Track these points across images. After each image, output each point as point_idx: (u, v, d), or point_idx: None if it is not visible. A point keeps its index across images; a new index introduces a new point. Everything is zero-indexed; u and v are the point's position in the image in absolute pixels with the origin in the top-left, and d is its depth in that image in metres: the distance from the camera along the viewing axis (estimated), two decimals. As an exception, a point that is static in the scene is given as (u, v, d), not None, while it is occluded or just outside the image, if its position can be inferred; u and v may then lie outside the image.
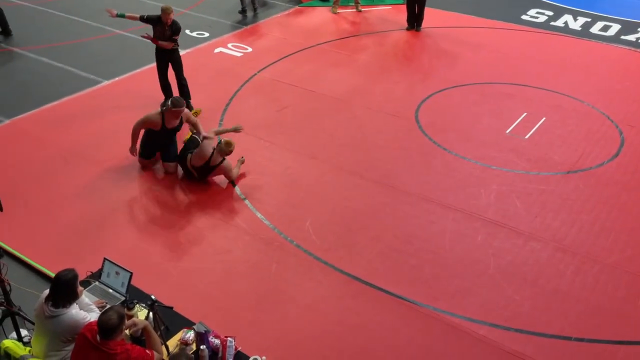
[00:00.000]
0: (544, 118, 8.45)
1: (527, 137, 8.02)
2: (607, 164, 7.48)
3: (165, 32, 8.20)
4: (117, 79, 9.54)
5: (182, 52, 10.41)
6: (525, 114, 8.56)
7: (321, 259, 5.94)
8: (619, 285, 5.65)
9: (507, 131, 8.15)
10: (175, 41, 8.31)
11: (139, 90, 9.15)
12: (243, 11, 12.21)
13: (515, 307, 5.41)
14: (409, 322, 5.27)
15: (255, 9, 12.37)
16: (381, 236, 6.27)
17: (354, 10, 12.59)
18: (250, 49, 10.65)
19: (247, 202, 6.76)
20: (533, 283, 5.68)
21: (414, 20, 11.52)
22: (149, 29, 8.43)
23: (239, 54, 10.48)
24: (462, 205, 6.71)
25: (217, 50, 10.65)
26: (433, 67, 10.11)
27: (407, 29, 11.54)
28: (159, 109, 7.14)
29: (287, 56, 10.40)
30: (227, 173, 7.01)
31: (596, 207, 6.71)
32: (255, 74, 9.74)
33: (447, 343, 5.08)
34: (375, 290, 5.58)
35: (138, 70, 9.80)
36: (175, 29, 8.24)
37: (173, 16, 8.19)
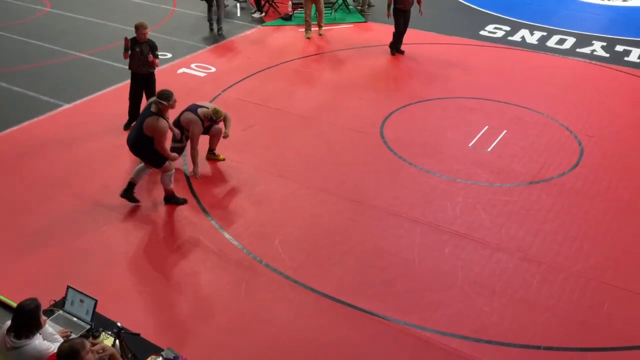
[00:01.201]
0: (505, 131, 8.63)
1: (489, 149, 8.18)
2: (568, 173, 7.66)
3: (144, 52, 8.11)
4: (78, 102, 9.39)
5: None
6: (486, 127, 8.73)
7: (291, 278, 5.90)
8: (585, 293, 5.77)
9: (470, 144, 8.30)
10: (157, 56, 8.25)
11: (101, 113, 9.02)
12: (211, 26, 12.39)
13: (485, 319, 5.47)
14: (380, 338, 5.26)
15: (219, 29, 12.38)
16: (351, 252, 6.28)
17: (317, 29, 12.70)
18: (214, 69, 10.63)
19: (214, 222, 6.69)
20: (501, 294, 5.75)
21: (399, 44, 11.37)
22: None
23: (202, 74, 10.44)
24: (429, 219, 6.78)
25: (180, 70, 10.60)
26: (397, 84, 10.25)
27: (399, 52, 11.34)
28: (158, 117, 6.42)
29: (251, 75, 10.41)
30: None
31: (559, 216, 6.86)
32: (220, 94, 9.72)
33: (419, 358, 5.09)
34: (346, 307, 5.57)
35: (100, 93, 9.67)
36: (153, 44, 8.19)
37: (148, 32, 8.10)
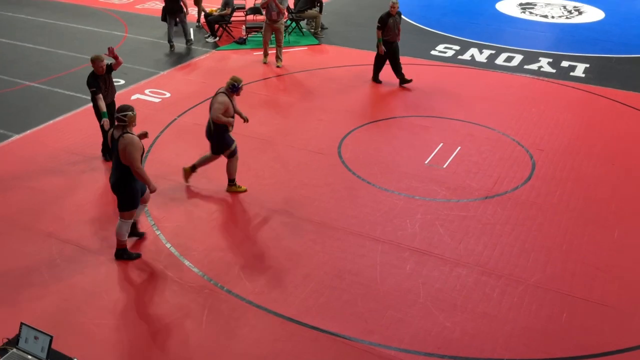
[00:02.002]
0: (459, 147, 8.81)
1: (445, 166, 8.33)
2: (521, 187, 7.86)
3: (107, 83, 7.91)
4: (29, 132, 9.15)
5: (97, 101, 10.22)
6: (441, 144, 8.90)
7: (253, 303, 5.84)
8: (543, 304, 5.89)
9: (426, 162, 8.43)
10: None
11: (53, 143, 8.81)
12: (171, 44, 12.64)
13: (448, 334, 5.51)
14: (345, 359, 5.24)
15: (188, 41, 12.76)
16: (313, 274, 6.26)
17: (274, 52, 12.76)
18: (168, 94, 10.54)
19: (173, 250, 6.58)
20: (463, 308, 5.82)
21: (401, 76, 11.06)
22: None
23: (157, 100, 10.34)
24: (389, 237, 6.83)
25: (134, 97, 10.47)
26: (353, 104, 10.36)
27: (405, 82, 11.05)
28: (134, 135, 6.04)
29: (207, 99, 10.35)
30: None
31: (515, 229, 7.01)
32: (175, 119, 9.63)
33: (385, 376, 5.09)
34: (310, 330, 5.53)
35: (51, 122, 9.45)
36: (111, 70, 7.99)
37: (104, 63, 7.82)
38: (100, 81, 7.82)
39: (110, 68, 7.99)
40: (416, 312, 5.77)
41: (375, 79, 11.22)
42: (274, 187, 7.81)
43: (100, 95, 7.80)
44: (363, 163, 8.38)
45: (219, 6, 13.78)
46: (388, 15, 10.68)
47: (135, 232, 6.68)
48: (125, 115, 5.95)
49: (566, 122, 9.69)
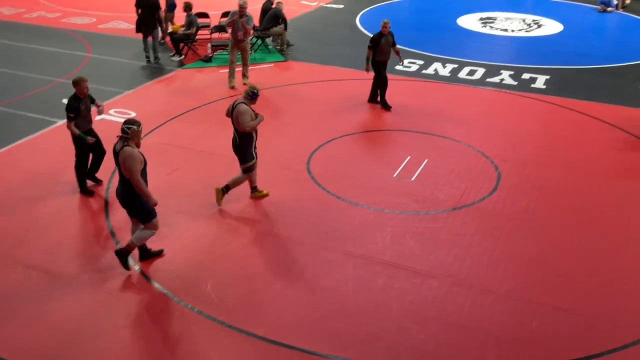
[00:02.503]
0: (427, 160, 8.91)
1: (413, 179, 8.40)
2: (488, 197, 7.98)
3: (88, 107, 7.70)
4: (-11, 155, 8.93)
5: (59, 123, 10.03)
6: (409, 157, 8.98)
7: (225, 323, 5.76)
8: (514, 313, 5.95)
9: (394, 175, 8.50)
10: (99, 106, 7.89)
11: (16, 166, 8.61)
12: (147, 57, 12.87)
13: (421, 347, 5.52)
14: (320, 376, 5.20)
15: (155, 57, 12.79)
16: (285, 291, 6.22)
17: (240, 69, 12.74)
18: (134, 114, 10.41)
19: (141, 271, 6.46)
20: (435, 320, 5.84)
21: (377, 94, 10.92)
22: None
23: (122, 120, 10.17)
24: (361, 251, 6.84)
25: (98, 117, 10.27)
26: (320, 119, 10.40)
27: (375, 102, 10.92)
28: (135, 148, 6.11)
29: (173, 118, 10.28)
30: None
31: (484, 239, 7.10)
32: (142, 139, 9.48)
33: (361, 392, 5.06)
34: (283, 348, 5.48)
35: (13, 145, 9.24)
36: (91, 96, 7.78)
37: (88, 84, 7.61)
38: (82, 104, 7.56)
39: (91, 97, 7.79)
40: (389, 325, 5.77)
41: (372, 100, 10.95)
42: (244, 204, 7.75)
43: (73, 123, 7.54)
44: (332, 178, 8.40)
45: (182, 23, 13.72)
46: (380, 35, 10.52)
47: (150, 252, 6.53)
48: (129, 129, 5.95)
49: (529, 133, 9.90)
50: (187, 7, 13.36)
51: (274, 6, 14.14)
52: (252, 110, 7.43)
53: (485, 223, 7.42)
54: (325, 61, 13.32)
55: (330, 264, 6.64)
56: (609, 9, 18.00)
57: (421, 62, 13.37)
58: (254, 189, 7.87)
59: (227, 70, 12.12)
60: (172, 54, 13.54)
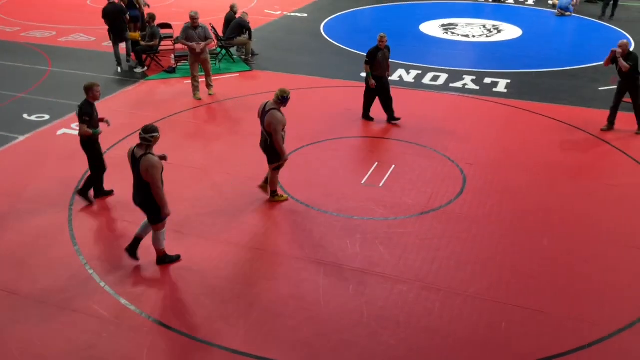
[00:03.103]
0: (394, 165, 8.98)
1: (381, 185, 8.46)
2: (454, 201, 8.08)
3: (97, 112, 7.83)
4: (-54, 173, 8.67)
5: (20, 139, 9.82)
6: (376, 163, 9.05)
7: (196, 338, 5.69)
8: (482, 314, 6.03)
9: (363, 181, 8.54)
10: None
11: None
12: (118, 64, 13.03)
13: (392, 352, 5.55)
14: (293, 386, 5.18)
15: (128, 61, 12.99)
16: (256, 302, 6.18)
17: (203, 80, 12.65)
18: (97, 128, 10.23)
19: (107, 288, 6.34)
20: (406, 325, 5.88)
21: (390, 112, 10.55)
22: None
23: (85, 134, 10.01)
24: (331, 259, 6.84)
25: (60, 132, 10.13)
26: (287, 128, 10.36)
27: (393, 119, 10.52)
28: (155, 156, 6.33)
29: (137, 131, 10.09)
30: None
31: (451, 242, 7.18)
32: (105, 152, 9.34)
33: (334, 400, 5.05)
34: (255, 360, 5.44)
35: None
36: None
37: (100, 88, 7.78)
38: (94, 109, 7.70)
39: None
40: (361, 332, 5.78)
41: (366, 116, 10.67)
42: (211, 216, 7.69)
43: (86, 126, 7.65)
44: (300, 186, 8.40)
45: (143, 33, 13.56)
46: (377, 49, 10.18)
47: (135, 249, 6.69)
48: (152, 137, 6.19)
49: (492, 136, 10.07)
50: (151, 18, 13.24)
51: (238, 16, 14.11)
52: (282, 114, 7.58)
53: (452, 226, 7.50)
54: (291, 70, 13.34)
55: (301, 272, 6.63)
56: (567, 13, 18.48)
57: (385, 69, 13.48)
58: (273, 192, 7.98)
59: (191, 82, 12.03)
60: (134, 65, 13.38)
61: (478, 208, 7.92)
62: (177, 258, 6.77)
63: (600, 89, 12.27)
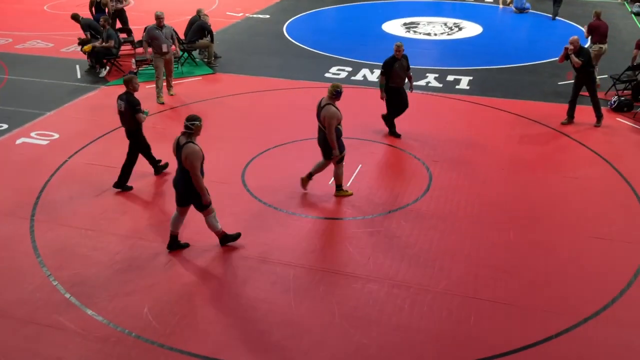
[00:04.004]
0: (360, 165, 9.01)
1: (348, 185, 8.47)
2: (421, 198, 8.15)
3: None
4: None
5: (-23, 148, 9.54)
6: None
7: (166, 346, 5.60)
8: (452, 309, 6.09)
9: (330, 182, 8.54)
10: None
11: None
12: (93, 68, 13.04)
13: (365, 351, 5.56)
14: (266, 390, 5.14)
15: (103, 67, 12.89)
16: (226, 307, 6.12)
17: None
18: (57, 135, 10.02)
19: (72, 299, 6.19)
20: (377, 323, 5.90)
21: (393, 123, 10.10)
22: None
23: (45, 142, 9.80)
24: (300, 261, 6.82)
25: (19, 141, 9.86)
26: (252, 131, 10.33)
27: (394, 135, 10.02)
28: (197, 144, 6.53)
29: (99, 137, 9.96)
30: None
31: (419, 239, 7.24)
32: (66, 161, 9.16)
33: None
34: (227, 366, 5.39)
35: None
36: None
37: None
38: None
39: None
40: (333, 333, 5.78)
41: (392, 132, 10.06)
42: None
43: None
44: (268, 189, 8.35)
45: (91, 38, 13.31)
46: (393, 59, 9.67)
47: (179, 244, 7.00)
48: (193, 124, 6.46)
49: (456, 133, 10.19)
50: (105, 21, 13.03)
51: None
52: (337, 109, 7.75)
53: (420, 223, 7.57)
54: (254, 72, 13.28)
55: (270, 275, 6.59)
56: (526, 10, 18.84)
57: (350, 69, 13.54)
58: (339, 187, 8.13)
59: (154, 85, 11.87)
60: (98, 70, 13.11)
61: (444, 204, 8.00)
62: (237, 236, 7.03)
63: (559, 83, 12.55)
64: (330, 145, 7.79)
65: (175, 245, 6.97)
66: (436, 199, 8.13)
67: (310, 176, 8.21)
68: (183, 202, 6.77)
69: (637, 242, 7.18)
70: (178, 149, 6.53)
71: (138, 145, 8.34)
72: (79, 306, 6.10)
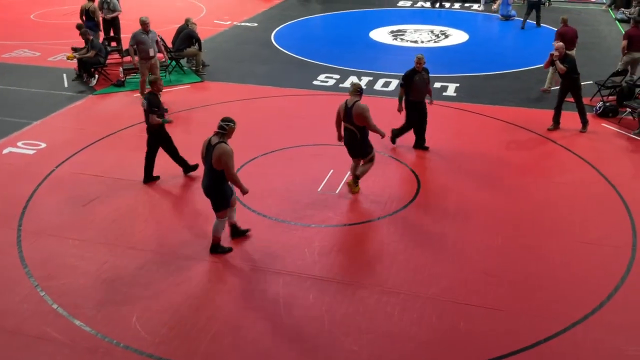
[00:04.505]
0: (349, 172, 9.02)
1: (337, 192, 8.49)
2: (410, 204, 8.17)
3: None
4: None
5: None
6: (332, 170, 9.07)
7: (155, 356, 5.56)
8: (442, 315, 6.10)
9: (319, 189, 8.55)
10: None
11: None
12: (80, 77, 12.96)
13: (355, 358, 5.55)
14: (256, 399, 5.11)
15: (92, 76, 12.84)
16: (216, 315, 6.09)
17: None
18: (44, 145, 9.95)
19: (60, 310, 6.13)
20: (367, 330, 5.89)
21: (421, 141, 9.79)
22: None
23: (31, 152, 9.72)
24: (290, 268, 6.81)
25: (5, 151, 9.78)
26: (241, 138, 10.26)
27: (421, 148, 9.74)
28: (227, 144, 6.69)
29: (87, 146, 9.90)
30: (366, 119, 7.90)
31: (409, 246, 7.26)
32: (54, 170, 9.09)
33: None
34: (217, 375, 5.36)
35: None
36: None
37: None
38: (159, 101, 8.53)
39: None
40: (323, 340, 5.76)
41: (394, 140, 9.86)
42: (167, 230, 7.56)
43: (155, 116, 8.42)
44: (257, 197, 8.31)
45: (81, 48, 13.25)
46: (413, 71, 9.35)
47: (240, 231, 7.29)
48: (227, 125, 6.65)
49: (443, 139, 10.24)
50: (86, 33, 12.99)
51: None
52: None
53: (409, 230, 7.59)
54: (242, 80, 13.27)
55: (260, 284, 6.57)
56: (512, 17, 19.02)
57: (338, 77, 13.58)
58: (357, 178, 8.34)
59: (140, 87, 11.87)
60: (85, 80, 13.02)
61: (434, 210, 8.03)
62: (228, 250, 7.05)
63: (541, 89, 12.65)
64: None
65: (236, 234, 7.23)
66: (425, 205, 8.15)
67: (356, 180, 8.34)
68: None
69: (624, 246, 7.24)
70: (208, 149, 6.65)
71: (158, 140, 8.61)
72: (66, 317, 6.05)
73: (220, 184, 6.73)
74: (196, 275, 6.73)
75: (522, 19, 18.15)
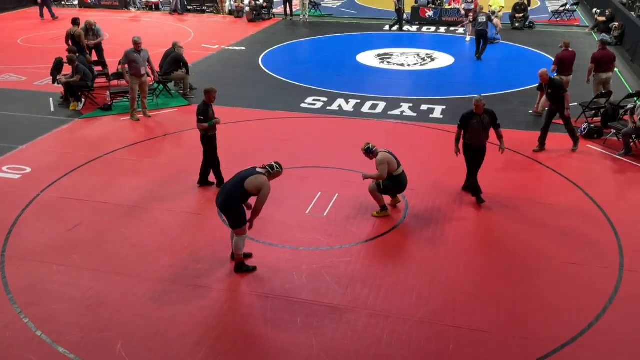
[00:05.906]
0: (337, 194, 9.02)
1: (325, 214, 8.47)
2: (397, 227, 8.17)
3: (213, 111, 9.14)
4: None
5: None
6: (320, 193, 9.06)
7: (140, 382, 5.46)
8: (430, 338, 6.06)
9: (307, 212, 8.53)
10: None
11: None
12: (67, 101, 12.91)
13: (344, 383, 5.48)
14: None
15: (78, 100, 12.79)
16: (202, 341, 6.00)
17: (142, 115, 12.44)
18: (29, 169, 9.86)
19: (44, 337, 6.02)
20: (355, 354, 5.83)
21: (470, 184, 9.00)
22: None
23: (16, 176, 9.63)
24: (278, 292, 6.75)
25: (-8, 175, 9.68)
26: (228, 161, 10.28)
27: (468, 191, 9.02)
28: (265, 175, 6.96)
29: (73, 170, 9.83)
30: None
31: (397, 268, 7.23)
32: (39, 195, 9.00)
33: None
34: (203, 402, 5.26)
35: None
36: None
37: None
38: (210, 109, 8.99)
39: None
40: (311, 365, 5.69)
41: (470, 189, 9.00)
42: (153, 255, 7.48)
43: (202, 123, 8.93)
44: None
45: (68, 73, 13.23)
46: (471, 114, 8.60)
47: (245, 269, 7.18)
48: (276, 167, 7.05)
49: (431, 161, 10.30)
50: (70, 59, 12.99)
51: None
52: (389, 153, 8.52)
53: (397, 252, 7.57)
54: (230, 103, 13.28)
55: (247, 308, 6.50)
56: (496, 40, 19.30)
57: (325, 99, 13.66)
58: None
59: (128, 117, 11.85)
60: (72, 102, 12.98)
61: (422, 231, 8.03)
62: (253, 269, 7.11)
63: (530, 111, 12.79)
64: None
65: (243, 269, 7.14)
66: (413, 227, 8.15)
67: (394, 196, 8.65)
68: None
69: (611, 266, 7.27)
70: (251, 171, 6.94)
71: (206, 146, 9.11)
72: (50, 344, 5.93)
73: (236, 202, 6.83)
74: (182, 299, 6.65)
75: (505, 42, 18.39)
